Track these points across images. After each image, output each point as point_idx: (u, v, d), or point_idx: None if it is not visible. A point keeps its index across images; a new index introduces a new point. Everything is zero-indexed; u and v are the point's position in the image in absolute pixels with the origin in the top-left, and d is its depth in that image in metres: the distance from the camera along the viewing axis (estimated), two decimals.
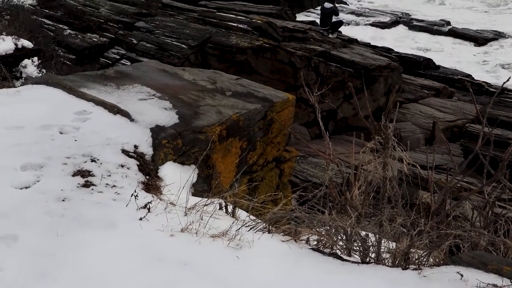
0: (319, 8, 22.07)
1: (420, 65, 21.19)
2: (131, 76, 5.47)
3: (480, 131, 4.06)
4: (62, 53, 13.77)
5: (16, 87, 5.65)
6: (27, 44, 11.34)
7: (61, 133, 4.17)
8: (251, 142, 5.04)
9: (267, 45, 13.97)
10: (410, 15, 31.65)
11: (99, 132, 4.20)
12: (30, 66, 11.12)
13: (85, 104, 4.60)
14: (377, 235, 3.28)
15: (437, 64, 21.97)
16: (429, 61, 21.79)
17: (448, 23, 30.06)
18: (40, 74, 10.92)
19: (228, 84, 5.57)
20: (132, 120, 4.45)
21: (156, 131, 4.35)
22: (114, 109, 4.51)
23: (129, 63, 13.41)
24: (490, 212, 3.87)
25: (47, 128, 4.20)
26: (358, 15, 30.83)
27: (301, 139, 5.57)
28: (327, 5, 17.19)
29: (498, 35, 28.41)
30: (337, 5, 19.20)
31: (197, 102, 4.95)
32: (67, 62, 13.23)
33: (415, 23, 29.91)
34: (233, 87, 5.49)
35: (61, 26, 15.38)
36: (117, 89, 5.06)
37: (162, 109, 4.70)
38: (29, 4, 15.86)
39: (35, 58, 11.35)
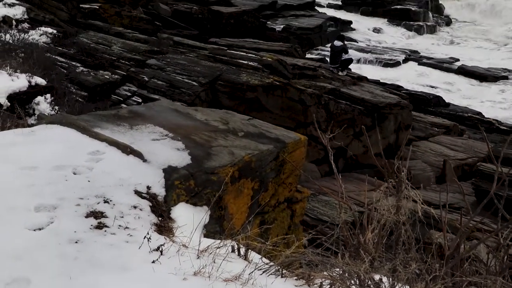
0: (328, 45, 22.30)
1: (430, 103, 21.27)
2: (144, 116, 5.51)
3: (494, 172, 4.05)
4: (74, 90, 13.91)
5: (29, 124, 5.70)
6: (40, 81, 11.47)
7: (74, 173, 4.19)
8: (263, 183, 5.03)
9: (277, 83, 14.08)
10: (419, 53, 31.87)
11: (112, 173, 4.22)
12: (43, 103, 11.23)
13: (99, 145, 4.63)
14: (390, 279, 3.25)
15: (447, 101, 22.04)
16: (439, 99, 21.88)
17: (457, 60, 30.23)
18: (53, 111, 11.02)
19: (240, 124, 5.60)
20: (145, 160, 4.46)
21: (169, 172, 4.36)
22: (127, 150, 4.53)
23: (140, 100, 13.55)
24: (506, 256, 3.83)
25: (61, 169, 4.22)
26: (368, 52, 31.08)
27: (311, 179, 5.56)
28: (337, 43, 17.39)
29: (508, 73, 28.50)
30: (346, 43, 19.40)
31: (209, 143, 4.97)
32: (79, 99, 13.36)
33: (424, 60, 30.12)
34: (245, 128, 5.51)
35: (74, 63, 15.60)
36: (130, 129, 5.10)
37: (175, 149, 4.71)
38: (43, 42, 16.12)
39: (48, 95, 11.46)
